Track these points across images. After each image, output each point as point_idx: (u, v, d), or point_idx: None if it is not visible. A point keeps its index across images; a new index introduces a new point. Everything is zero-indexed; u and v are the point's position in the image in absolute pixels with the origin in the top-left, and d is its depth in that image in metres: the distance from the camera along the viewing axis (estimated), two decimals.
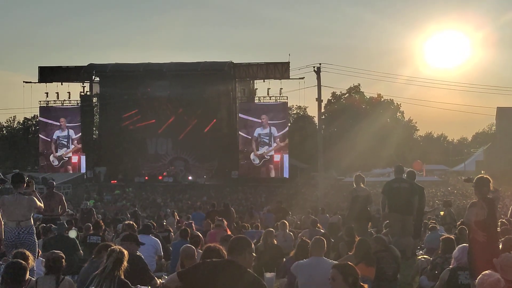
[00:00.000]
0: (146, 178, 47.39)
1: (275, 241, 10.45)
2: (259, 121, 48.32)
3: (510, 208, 14.16)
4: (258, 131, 48.47)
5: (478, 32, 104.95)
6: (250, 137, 48.50)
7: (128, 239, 7.88)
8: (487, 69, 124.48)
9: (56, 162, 50.11)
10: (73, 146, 50.26)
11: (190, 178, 46.98)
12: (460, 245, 8.03)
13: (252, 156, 48.14)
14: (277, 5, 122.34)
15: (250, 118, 48.65)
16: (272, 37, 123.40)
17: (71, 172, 48.91)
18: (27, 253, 6.32)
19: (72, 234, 12.96)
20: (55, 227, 11.39)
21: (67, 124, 50.23)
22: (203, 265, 4.83)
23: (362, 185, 12.75)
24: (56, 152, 50.15)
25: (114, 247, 5.87)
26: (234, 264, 4.72)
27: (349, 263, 5.40)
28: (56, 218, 13.26)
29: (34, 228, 8.89)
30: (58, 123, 50.30)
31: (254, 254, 5.04)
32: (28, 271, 5.42)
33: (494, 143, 63.29)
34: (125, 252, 5.75)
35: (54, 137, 50.21)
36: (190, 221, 15.85)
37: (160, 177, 47.26)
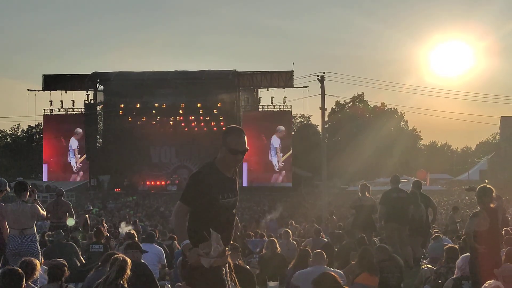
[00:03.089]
0: (147, 183, 47.50)
1: (278, 250, 10.43)
2: (263, 129, 48.37)
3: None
4: (262, 139, 48.53)
5: (481, 42, 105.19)
6: (255, 145, 48.51)
7: (132, 247, 7.89)
8: (491, 78, 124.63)
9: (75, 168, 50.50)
10: (79, 155, 50.43)
11: None
12: (463, 255, 8.02)
13: (256, 163, 48.19)
14: (281, 15, 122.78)
15: (254, 127, 48.67)
16: (276, 46, 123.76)
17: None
18: (35, 261, 6.31)
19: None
20: (51, 234, 11.40)
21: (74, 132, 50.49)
22: None
23: (367, 194, 12.76)
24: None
25: (117, 255, 5.87)
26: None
27: (330, 272, 5.41)
28: (63, 225, 13.27)
29: (37, 236, 8.90)
30: (63, 131, 50.45)
31: None
32: (24, 279, 5.41)
33: (498, 152, 63.16)
34: (129, 260, 5.76)
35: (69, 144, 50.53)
36: None
37: (163, 183, 47.43)
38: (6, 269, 5.52)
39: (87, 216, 18.20)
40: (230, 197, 4.57)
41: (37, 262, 6.32)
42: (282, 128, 48.68)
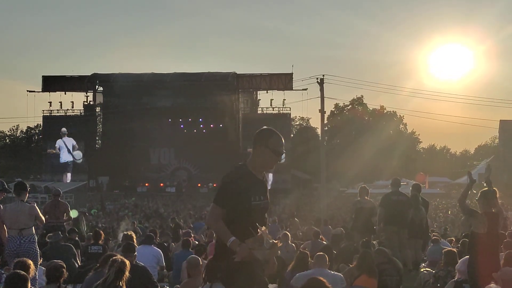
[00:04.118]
0: (146, 184, 47.56)
1: (278, 252, 10.40)
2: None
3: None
4: None
5: (480, 45, 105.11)
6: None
7: (126, 250, 7.90)
8: (490, 82, 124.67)
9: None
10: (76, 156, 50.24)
11: (201, 189, 47.20)
12: (463, 258, 8.03)
13: None
14: (281, 17, 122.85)
15: (253, 129, 48.72)
16: (275, 48, 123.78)
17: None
18: (28, 261, 6.31)
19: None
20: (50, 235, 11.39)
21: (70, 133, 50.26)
22: None
23: (366, 197, 12.77)
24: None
25: (116, 257, 5.86)
26: None
27: (319, 278, 5.40)
28: (60, 225, 13.26)
29: (36, 237, 8.89)
30: (61, 132, 50.30)
31: None
32: (29, 281, 5.40)
33: (497, 156, 63.13)
34: (127, 262, 5.74)
35: (56, 145, 50.15)
36: (189, 230, 15.83)
37: (162, 184, 47.46)
38: (12, 273, 5.51)
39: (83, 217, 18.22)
40: (262, 199, 4.55)
41: (31, 263, 6.32)
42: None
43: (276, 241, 4.37)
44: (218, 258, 4.56)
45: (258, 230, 4.25)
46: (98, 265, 7.42)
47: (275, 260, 4.64)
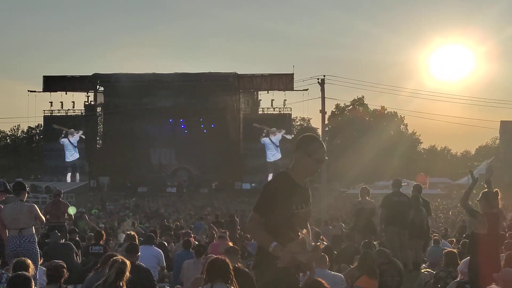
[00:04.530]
0: (147, 185, 47.64)
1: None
2: (263, 132, 48.50)
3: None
4: (262, 142, 48.71)
5: (481, 46, 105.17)
6: (254, 148, 48.68)
7: (129, 251, 7.91)
8: (491, 83, 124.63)
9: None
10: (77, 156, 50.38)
11: (202, 189, 47.19)
12: (464, 259, 8.03)
13: (256, 166, 48.31)
14: (282, 18, 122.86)
15: (254, 129, 48.81)
16: (276, 48, 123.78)
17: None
18: (27, 261, 6.30)
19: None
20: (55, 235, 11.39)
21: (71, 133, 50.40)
22: None
23: (367, 198, 12.76)
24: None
25: (117, 257, 5.86)
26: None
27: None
28: (61, 225, 13.26)
29: (36, 237, 8.88)
30: (63, 132, 50.40)
31: None
32: (32, 282, 5.40)
33: (498, 157, 63.15)
34: (128, 262, 5.74)
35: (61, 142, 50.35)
36: (189, 230, 15.84)
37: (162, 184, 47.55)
38: (14, 275, 5.50)
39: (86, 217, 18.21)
40: (303, 207, 4.48)
41: (30, 262, 6.31)
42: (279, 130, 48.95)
43: (319, 244, 4.35)
44: (259, 266, 4.50)
45: (300, 233, 4.22)
46: (98, 265, 7.43)
47: (313, 265, 4.59)
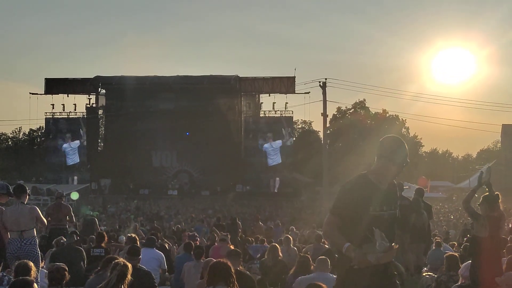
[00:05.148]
0: (148, 187, 47.64)
1: (281, 256, 10.40)
2: (265, 135, 48.55)
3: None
4: (263, 145, 48.75)
5: (483, 50, 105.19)
6: (256, 151, 48.74)
7: (130, 253, 7.90)
8: (492, 86, 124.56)
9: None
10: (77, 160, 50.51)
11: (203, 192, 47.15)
12: (466, 263, 8.01)
13: (257, 169, 48.36)
14: (284, 21, 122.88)
15: (255, 132, 48.88)
16: (278, 51, 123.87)
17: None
18: (30, 264, 6.28)
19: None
20: (59, 239, 11.36)
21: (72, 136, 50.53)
22: None
23: None
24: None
25: (118, 260, 5.85)
26: None
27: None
28: (63, 228, 13.24)
29: (37, 239, 8.88)
30: (64, 134, 50.48)
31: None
32: (34, 286, 5.39)
33: (499, 160, 63.06)
34: (129, 265, 5.73)
35: (62, 148, 50.45)
36: (194, 233, 15.83)
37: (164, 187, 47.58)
38: (17, 280, 5.49)
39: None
40: (383, 210, 4.39)
41: (32, 265, 6.29)
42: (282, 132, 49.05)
43: (394, 244, 4.30)
44: (338, 267, 4.50)
45: (373, 234, 4.20)
46: (99, 268, 7.42)
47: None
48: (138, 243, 10.43)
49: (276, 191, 48.48)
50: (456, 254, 9.40)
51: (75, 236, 11.44)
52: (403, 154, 4.40)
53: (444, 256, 9.24)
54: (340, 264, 4.43)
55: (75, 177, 50.13)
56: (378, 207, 4.35)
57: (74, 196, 33.99)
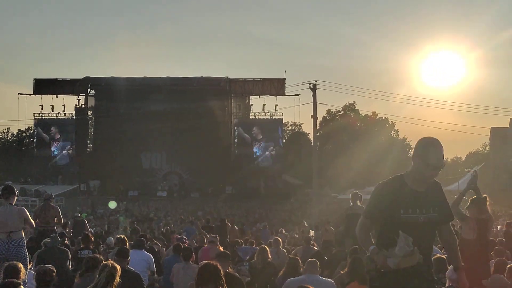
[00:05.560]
0: (138, 188, 47.46)
1: (270, 258, 10.39)
2: (255, 136, 48.55)
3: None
4: (253, 147, 48.75)
5: (472, 53, 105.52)
6: (246, 152, 48.71)
7: (119, 255, 7.86)
8: (481, 89, 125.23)
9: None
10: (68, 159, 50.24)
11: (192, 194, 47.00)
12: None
13: (247, 170, 48.30)
14: (274, 24, 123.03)
15: (246, 134, 48.84)
16: (268, 53, 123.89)
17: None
18: (19, 265, 6.25)
19: (112, 205, 12.94)
20: (47, 240, 11.29)
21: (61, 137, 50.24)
22: None
23: (359, 203, 12.75)
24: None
25: (107, 262, 5.82)
26: None
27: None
28: (51, 229, 13.14)
29: (25, 240, 8.83)
30: (53, 135, 50.22)
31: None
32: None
33: (488, 163, 63.40)
34: (118, 267, 5.70)
35: (52, 149, 50.20)
36: (183, 236, 15.79)
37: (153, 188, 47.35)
38: (5, 282, 5.46)
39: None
40: (417, 213, 4.23)
41: (21, 266, 6.26)
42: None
43: (413, 249, 4.16)
44: (368, 272, 4.50)
45: (398, 237, 4.13)
46: (85, 270, 7.38)
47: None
48: (128, 244, 10.39)
49: (265, 193, 48.44)
50: (444, 257, 9.42)
51: (59, 237, 11.39)
52: (436, 155, 4.28)
53: (432, 258, 9.25)
54: (369, 267, 4.43)
55: (59, 177, 49.68)
56: (411, 210, 4.23)
57: (112, 205, 33.75)
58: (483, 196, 7.81)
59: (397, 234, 4.14)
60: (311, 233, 18.80)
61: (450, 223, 4.57)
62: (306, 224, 21.83)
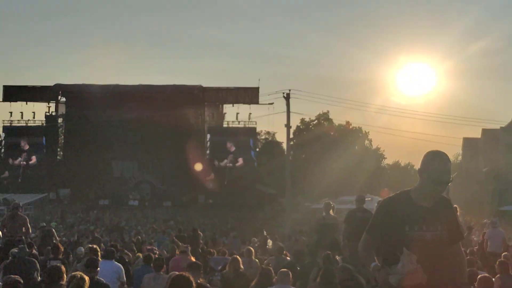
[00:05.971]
0: (108, 198, 46.90)
1: (242, 268, 10.28)
2: (227, 145, 48.44)
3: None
4: (226, 155, 48.65)
5: (444, 64, 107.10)
6: (218, 162, 48.54)
7: (88, 265, 7.71)
8: (454, 100, 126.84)
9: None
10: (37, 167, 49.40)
11: (164, 203, 46.55)
12: None
13: (219, 180, 48.16)
14: (247, 33, 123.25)
15: (218, 143, 48.75)
16: (242, 62, 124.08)
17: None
18: None
19: None
20: (15, 251, 11.03)
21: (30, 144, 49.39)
22: None
23: (331, 213, 12.71)
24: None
25: (75, 273, 5.67)
26: None
27: None
28: (18, 239, 12.88)
29: None
30: (22, 143, 49.34)
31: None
32: None
33: (460, 173, 64.21)
34: (87, 278, 5.57)
35: (21, 157, 49.30)
36: (153, 247, 15.62)
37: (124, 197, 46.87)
38: None
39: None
40: (424, 230, 4.09)
41: None
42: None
43: (416, 267, 3.99)
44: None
45: (401, 254, 4.02)
46: (52, 281, 7.20)
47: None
48: (99, 254, 10.22)
49: (238, 202, 48.26)
50: None
51: (27, 247, 11.16)
52: (443, 169, 4.12)
53: None
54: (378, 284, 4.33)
55: (28, 185, 48.68)
56: (417, 227, 4.10)
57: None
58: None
59: (402, 251, 4.03)
60: (270, 243, 18.69)
61: (459, 242, 4.38)
62: (265, 233, 21.68)
